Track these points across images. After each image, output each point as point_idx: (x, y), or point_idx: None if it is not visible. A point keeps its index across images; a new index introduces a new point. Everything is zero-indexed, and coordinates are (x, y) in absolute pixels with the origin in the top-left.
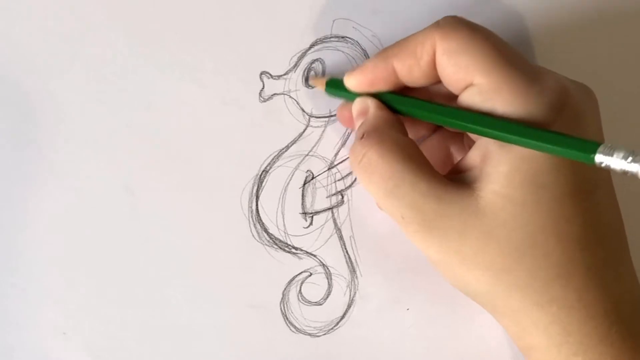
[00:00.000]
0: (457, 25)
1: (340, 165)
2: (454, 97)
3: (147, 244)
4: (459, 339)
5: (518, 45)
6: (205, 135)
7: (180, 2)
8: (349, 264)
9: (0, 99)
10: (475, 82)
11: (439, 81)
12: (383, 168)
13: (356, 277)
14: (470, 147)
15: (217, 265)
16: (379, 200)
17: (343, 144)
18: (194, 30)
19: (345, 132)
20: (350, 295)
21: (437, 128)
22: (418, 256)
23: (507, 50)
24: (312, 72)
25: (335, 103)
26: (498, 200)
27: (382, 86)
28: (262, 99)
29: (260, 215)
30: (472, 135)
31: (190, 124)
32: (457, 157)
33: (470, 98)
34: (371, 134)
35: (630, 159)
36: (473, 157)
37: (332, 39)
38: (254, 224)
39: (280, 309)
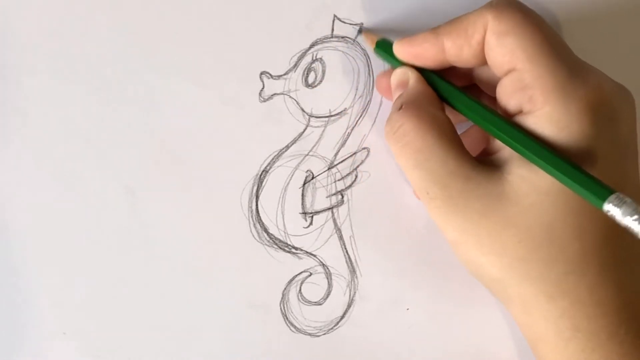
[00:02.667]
0: (510, 6)
1: (340, 165)
2: (495, 82)
3: (147, 244)
4: (458, 338)
5: None
6: (205, 135)
7: (180, 2)
8: (349, 264)
9: (0, 99)
10: (519, 68)
11: (485, 64)
12: (416, 140)
13: (356, 277)
14: None
15: (217, 265)
16: (407, 171)
17: (343, 144)
18: (194, 30)
19: (345, 132)
20: (350, 295)
21: None
22: (418, 256)
23: (555, 39)
24: (312, 73)
25: (335, 103)
26: (523, 186)
27: (428, 61)
28: (262, 99)
29: (260, 215)
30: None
31: (190, 124)
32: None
33: (510, 84)
34: (410, 106)
35: (635, 217)
36: None
37: (332, 39)
38: (254, 224)
39: (280, 309)
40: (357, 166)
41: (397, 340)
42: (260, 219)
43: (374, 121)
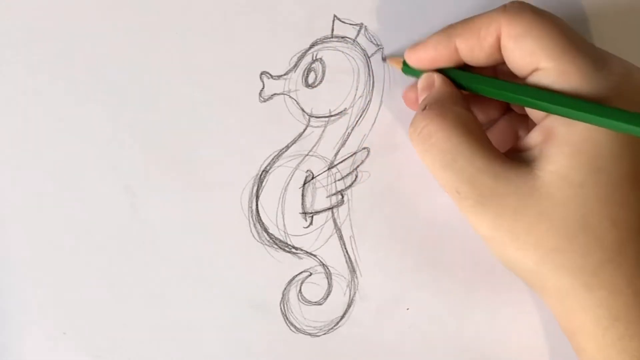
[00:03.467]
0: (523, 9)
1: (340, 165)
2: (517, 79)
3: (147, 244)
4: (458, 338)
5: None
6: (205, 136)
7: (180, 2)
8: (349, 264)
9: (1, 99)
10: (542, 66)
11: (500, 62)
12: (442, 140)
13: (356, 277)
14: (528, 135)
15: (217, 265)
16: (435, 172)
17: (343, 144)
18: (194, 30)
19: (345, 132)
20: (350, 295)
21: (505, 111)
22: (418, 256)
23: (573, 35)
24: (312, 73)
25: (335, 103)
26: (556, 181)
27: (443, 64)
28: (262, 99)
29: (260, 215)
30: (535, 117)
31: (191, 124)
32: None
33: (538, 81)
34: (433, 106)
35: None
36: (535, 136)
37: (332, 39)
38: (254, 224)
39: (280, 309)
40: (357, 166)
41: (397, 340)
42: (260, 219)
43: (374, 121)
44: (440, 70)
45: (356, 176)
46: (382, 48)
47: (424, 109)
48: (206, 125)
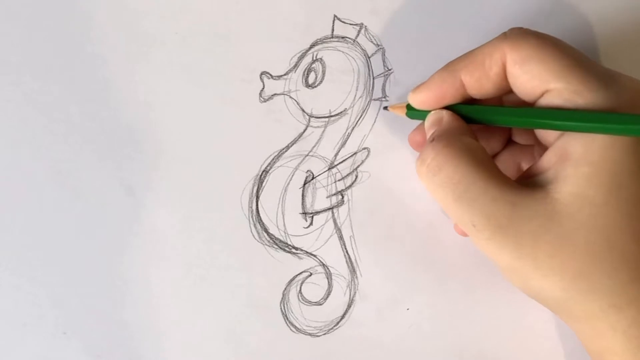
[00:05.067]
0: (525, 35)
1: (340, 165)
2: (525, 106)
3: (147, 244)
4: (458, 338)
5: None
6: (205, 136)
7: (180, 2)
8: (349, 264)
9: (0, 99)
10: (552, 88)
11: (508, 92)
12: (452, 171)
13: (356, 277)
14: (541, 158)
15: (218, 265)
16: (447, 207)
17: (343, 144)
18: (194, 30)
19: (345, 132)
20: (350, 295)
21: (507, 144)
22: (418, 256)
23: (579, 55)
24: (312, 73)
25: (335, 103)
26: (576, 202)
27: (450, 101)
28: (262, 99)
29: (260, 215)
30: (547, 140)
31: (190, 124)
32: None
33: (550, 103)
34: (440, 138)
35: None
36: (549, 159)
37: (332, 39)
38: (254, 224)
39: (280, 309)
40: (357, 166)
41: (397, 340)
42: (261, 219)
43: (374, 121)
44: (449, 108)
45: (356, 176)
46: (383, 48)
47: (432, 141)
48: (206, 125)
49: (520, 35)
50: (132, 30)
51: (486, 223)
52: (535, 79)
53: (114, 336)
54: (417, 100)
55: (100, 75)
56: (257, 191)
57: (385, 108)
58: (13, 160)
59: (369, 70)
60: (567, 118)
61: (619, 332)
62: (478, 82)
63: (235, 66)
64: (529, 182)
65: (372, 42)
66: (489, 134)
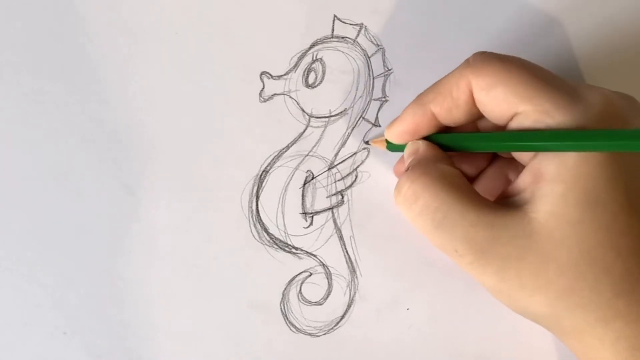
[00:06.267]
0: (487, 59)
1: (340, 165)
2: (498, 129)
3: (147, 244)
4: (458, 338)
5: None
6: (205, 135)
7: (180, 2)
8: (349, 264)
9: (0, 99)
10: (520, 110)
11: (480, 117)
12: (429, 199)
13: (356, 277)
14: (517, 178)
15: (217, 265)
16: (427, 234)
17: (343, 144)
18: (194, 30)
19: (345, 132)
20: (350, 295)
21: (492, 159)
22: (418, 256)
23: (544, 74)
24: (312, 73)
25: (335, 103)
26: (553, 221)
27: (425, 132)
28: (262, 99)
29: (260, 215)
30: (523, 160)
31: (190, 124)
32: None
33: (520, 125)
34: (415, 167)
35: None
36: (524, 179)
37: (332, 39)
38: (254, 224)
39: (280, 309)
40: (357, 166)
41: (397, 340)
42: (261, 219)
43: (374, 121)
44: (426, 138)
45: (356, 176)
46: (383, 48)
47: (407, 171)
48: (206, 125)
49: (483, 61)
50: (132, 31)
51: (468, 248)
52: (503, 104)
53: (114, 336)
54: (393, 135)
55: (101, 75)
56: (257, 191)
57: (367, 142)
58: (13, 160)
59: (369, 70)
60: (535, 139)
61: (608, 345)
62: (449, 112)
63: (235, 66)
64: (508, 203)
65: (372, 42)
66: (474, 153)
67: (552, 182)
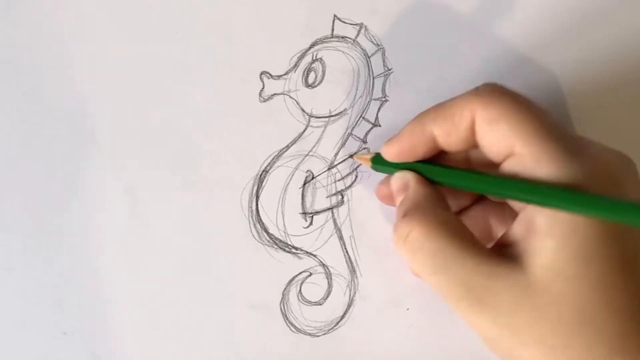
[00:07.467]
0: (497, 93)
1: (340, 165)
2: (492, 163)
3: (147, 243)
4: (458, 339)
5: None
6: (205, 135)
7: (180, 2)
8: (349, 264)
9: (0, 99)
10: (516, 152)
11: (475, 146)
12: (429, 246)
13: (356, 277)
14: (512, 218)
15: (217, 265)
16: (426, 277)
17: (343, 144)
18: (194, 30)
19: (345, 132)
20: (350, 295)
21: (477, 199)
22: None
23: (548, 121)
24: (312, 73)
25: (335, 103)
26: (548, 275)
27: (421, 152)
28: (262, 99)
29: (260, 215)
30: (515, 207)
31: (190, 124)
32: (497, 228)
33: (512, 168)
34: (414, 213)
35: None
36: (517, 230)
37: (332, 39)
38: (254, 224)
39: (280, 309)
40: (357, 166)
41: (397, 340)
42: (260, 219)
43: (374, 121)
44: (411, 167)
45: (356, 176)
46: (383, 48)
47: (404, 215)
48: (206, 125)
49: (491, 92)
50: (132, 30)
51: (465, 294)
52: (502, 141)
53: (114, 336)
54: (390, 153)
55: (101, 75)
56: (257, 191)
57: (351, 156)
58: (13, 160)
59: (369, 70)
60: (525, 191)
61: None
62: (448, 136)
63: (235, 66)
64: (504, 252)
65: (372, 42)
66: (458, 190)
67: (545, 236)
